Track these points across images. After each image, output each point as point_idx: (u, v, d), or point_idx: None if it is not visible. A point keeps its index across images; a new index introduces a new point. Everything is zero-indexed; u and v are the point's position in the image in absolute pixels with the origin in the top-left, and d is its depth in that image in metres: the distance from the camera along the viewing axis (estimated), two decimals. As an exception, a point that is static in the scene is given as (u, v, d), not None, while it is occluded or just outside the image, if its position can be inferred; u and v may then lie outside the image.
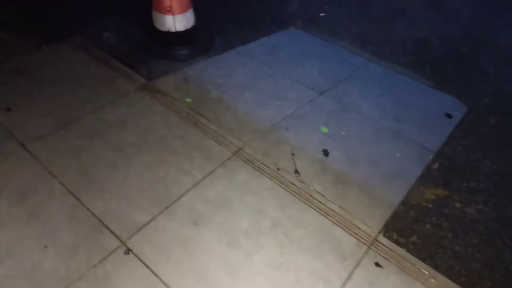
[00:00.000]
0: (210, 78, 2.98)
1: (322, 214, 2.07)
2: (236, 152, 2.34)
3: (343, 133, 2.61)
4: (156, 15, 3.22)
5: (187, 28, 3.30)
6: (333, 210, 2.10)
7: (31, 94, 2.57)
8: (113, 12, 3.81)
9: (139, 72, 2.95)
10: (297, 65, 3.27)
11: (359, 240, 1.98)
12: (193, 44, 3.41)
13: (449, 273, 1.92)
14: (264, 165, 2.28)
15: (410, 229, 2.10)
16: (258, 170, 2.24)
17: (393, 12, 4.33)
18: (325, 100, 2.90)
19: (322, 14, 4.24)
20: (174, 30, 3.25)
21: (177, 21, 3.21)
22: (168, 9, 3.13)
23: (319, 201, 2.13)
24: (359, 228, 2.04)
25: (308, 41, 3.66)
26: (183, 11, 3.21)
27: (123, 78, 2.82)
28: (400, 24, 4.15)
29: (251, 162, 2.29)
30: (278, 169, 2.26)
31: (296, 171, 2.25)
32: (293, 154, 2.36)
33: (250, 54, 3.33)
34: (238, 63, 3.21)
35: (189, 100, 2.70)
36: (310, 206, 2.10)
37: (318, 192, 2.18)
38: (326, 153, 2.41)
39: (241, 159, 2.30)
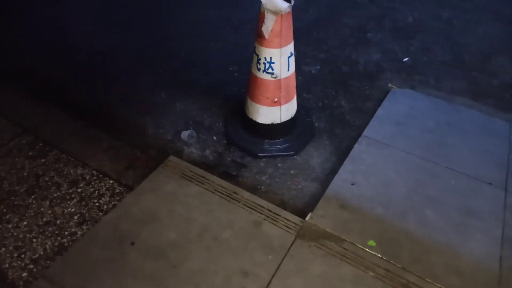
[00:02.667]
0: (368, 194, 2.18)
1: None
2: None
3: None
4: (254, 106, 2.42)
5: (292, 116, 2.55)
6: None
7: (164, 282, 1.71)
8: (173, 99, 2.98)
9: (278, 202, 2.17)
10: (444, 147, 2.52)
11: None
12: (294, 130, 2.67)
13: None
14: None
15: None
16: None
17: (489, 48, 3.74)
18: (518, 202, 2.23)
19: (405, 59, 3.58)
20: (279, 122, 2.50)
21: (283, 110, 2.42)
22: (276, 100, 2.38)
23: None
24: None
25: (427, 105, 2.91)
26: (290, 99, 2.43)
27: (266, 221, 1.99)
28: (506, 63, 3.57)
29: None
30: None
31: None
32: None
33: (382, 141, 2.57)
34: (380, 159, 2.44)
35: (373, 243, 1.93)
36: None
37: None
38: None
39: None
